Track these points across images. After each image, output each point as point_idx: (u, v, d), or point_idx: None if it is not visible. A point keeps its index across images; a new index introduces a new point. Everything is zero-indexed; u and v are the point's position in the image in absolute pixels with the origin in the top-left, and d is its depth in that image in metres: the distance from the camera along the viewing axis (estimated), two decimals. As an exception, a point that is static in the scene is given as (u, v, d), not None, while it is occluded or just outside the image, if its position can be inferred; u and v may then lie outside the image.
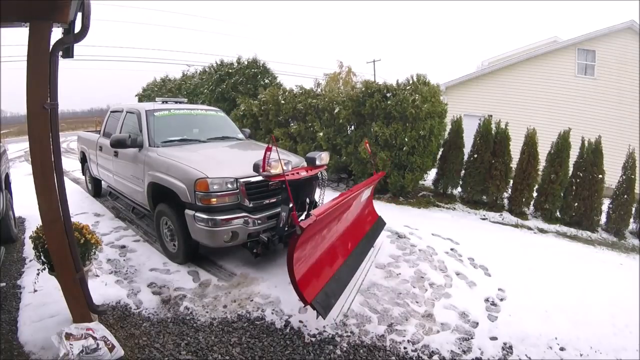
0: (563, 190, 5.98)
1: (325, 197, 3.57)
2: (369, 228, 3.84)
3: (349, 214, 3.31)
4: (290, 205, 3.13)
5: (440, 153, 6.77)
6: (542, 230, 5.66)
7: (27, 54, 1.85)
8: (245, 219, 3.08)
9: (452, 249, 4.14)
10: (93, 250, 2.47)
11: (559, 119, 9.91)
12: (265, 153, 2.73)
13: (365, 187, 3.44)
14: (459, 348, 2.48)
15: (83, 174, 6.23)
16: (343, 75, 20.87)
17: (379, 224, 4.07)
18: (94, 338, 2.02)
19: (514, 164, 6.20)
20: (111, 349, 2.04)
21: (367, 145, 4.21)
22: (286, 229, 3.15)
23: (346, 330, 2.57)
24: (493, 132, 6.25)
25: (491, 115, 6.64)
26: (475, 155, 6.30)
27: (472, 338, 2.59)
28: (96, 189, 5.66)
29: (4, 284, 2.91)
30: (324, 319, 2.47)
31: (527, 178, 6.02)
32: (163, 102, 4.63)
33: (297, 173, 3.18)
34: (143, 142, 3.75)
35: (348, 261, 3.07)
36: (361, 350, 2.38)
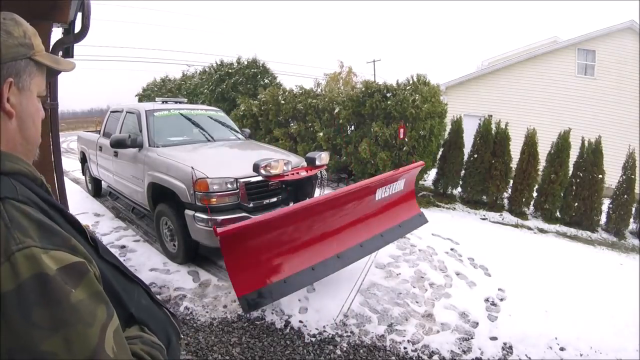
0: (563, 190, 5.97)
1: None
2: (389, 226, 3.36)
3: (340, 212, 2.93)
4: (291, 204, 3.13)
5: (440, 153, 6.76)
6: (542, 230, 5.65)
7: (27, 54, 1.85)
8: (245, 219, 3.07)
9: (452, 249, 4.14)
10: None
11: (559, 119, 9.91)
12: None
13: (374, 182, 3.03)
14: (459, 348, 2.48)
15: (83, 174, 6.23)
16: (343, 75, 20.85)
17: (409, 223, 3.56)
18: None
19: (514, 164, 6.20)
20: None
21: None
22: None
23: (346, 330, 2.57)
24: (493, 132, 6.24)
25: (491, 115, 6.64)
26: (475, 155, 6.30)
27: (472, 338, 2.59)
28: (96, 189, 5.65)
29: None
30: (245, 314, 2.64)
31: (527, 178, 6.02)
32: (163, 102, 4.62)
33: (297, 173, 3.18)
34: (143, 142, 3.75)
35: (326, 263, 2.78)
36: (361, 350, 2.38)
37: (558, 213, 6.10)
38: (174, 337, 0.72)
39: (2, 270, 0.43)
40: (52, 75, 0.69)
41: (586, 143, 5.91)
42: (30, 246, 0.45)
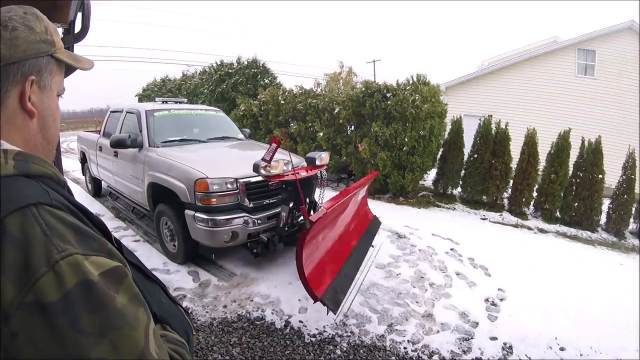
0: (563, 190, 5.97)
1: (325, 197, 3.57)
2: (366, 226, 3.86)
3: (348, 212, 3.32)
4: (291, 204, 3.14)
5: (440, 153, 6.77)
6: (542, 230, 5.65)
7: (27, 54, 1.85)
8: (245, 219, 3.07)
9: (452, 249, 4.14)
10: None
11: (559, 119, 9.90)
12: (270, 145, 2.77)
13: (360, 187, 3.47)
14: (459, 348, 2.48)
15: (83, 174, 6.23)
16: (343, 75, 20.84)
17: (374, 224, 4.09)
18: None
19: (514, 164, 6.20)
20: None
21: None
22: (286, 229, 3.15)
23: (346, 330, 2.57)
24: (493, 132, 6.25)
25: (491, 115, 6.63)
26: (475, 155, 6.30)
27: (472, 338, 2.59)
28: (96, 189, 5.66)
29: None
30: (335, 314, 2.48)
31: (527, 178, 6.02)
32: (163, 102, 4.63)
33: (297, 173, 3.18)
34: (143, 142, 3.75)
35: (351, 258, 3.09)
36: (361, 350, 2.38)
37: (558, 213, 6.10)
38: (191, 334, 0.72)
39: (46, 279, 0.41)
40: (68, 73, 0.66)
41: (586, 143, 5.91)
42: (73, 253, 0.44)
